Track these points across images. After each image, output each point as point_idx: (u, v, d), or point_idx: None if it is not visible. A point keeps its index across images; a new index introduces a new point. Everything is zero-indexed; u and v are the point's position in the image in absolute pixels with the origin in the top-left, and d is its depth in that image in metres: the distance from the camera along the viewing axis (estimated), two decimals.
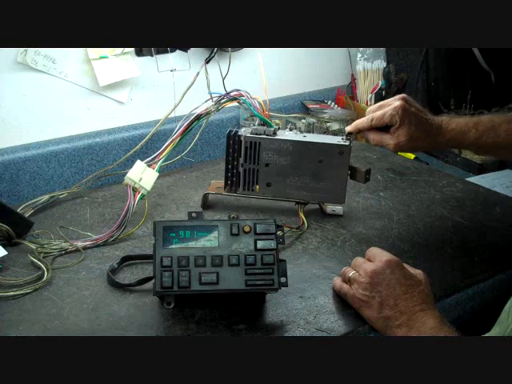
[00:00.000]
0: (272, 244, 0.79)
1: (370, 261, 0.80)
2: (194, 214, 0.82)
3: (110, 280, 0.86)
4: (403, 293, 0.75)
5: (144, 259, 0.91)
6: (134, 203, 0.97)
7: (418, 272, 0.79)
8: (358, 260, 0.82)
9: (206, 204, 1.08)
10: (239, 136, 1.00)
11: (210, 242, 0.78)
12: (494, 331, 0.64)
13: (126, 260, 0.91)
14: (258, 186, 1.02)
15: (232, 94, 1.01)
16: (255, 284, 0.77)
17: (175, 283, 0.76)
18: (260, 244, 0.79)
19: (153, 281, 0.77)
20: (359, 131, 0.97)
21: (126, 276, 0.88)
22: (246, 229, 0.79)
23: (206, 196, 1.07)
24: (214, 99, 1.02)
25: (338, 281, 0.83)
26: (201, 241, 0.78)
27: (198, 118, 1.01)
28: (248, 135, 1.00)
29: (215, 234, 0.79)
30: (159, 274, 0.76)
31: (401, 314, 0.74)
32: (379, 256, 0.79)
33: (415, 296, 0.75)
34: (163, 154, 1.00)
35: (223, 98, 1.01)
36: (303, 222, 1.00)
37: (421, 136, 0.92)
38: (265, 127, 1.01)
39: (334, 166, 1.00)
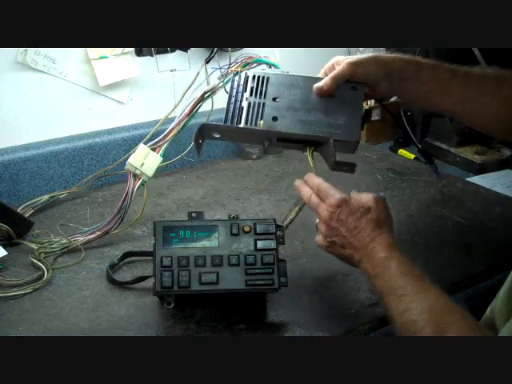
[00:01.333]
0: (272, 244, 0.79)
1: (320, 198, 0.79)
2: (194, 214, 0.82)
3: (107, 276, 0.86)
4: (353, 228, 0.76)
5: (145, 256, 0.91)
6: (134, 189, 0.95)
7: (367, 199, 0.79)
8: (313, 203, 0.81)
9: (201, 137, 0.88)
10: (246, 72, 0.91)
11: (210, 241, 0.79)
12: None
13: (128, 256, 0.91)
14: (261, 122, 0.89)
15: (240, 60, 0.92)
16: (255, 284, 0.77)
17: (175, 283, 0.76)
18: (260, 244, 0.79)
19: (151, 279, 0.77)
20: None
21: (127, 275, 0.88)
22: (246, 229, 0.79)
23: (203, 128, 0.87)
24: (217, 75, 0.94)
25: (318, 238, 0.81)
26: (201, 241, 0.78)
27: (203, 96, 0.96)
28: (256, 70, 0.92)
29: (215, 233, 0.79)
30: (159, 273, 0.76)
31: (356, 251, 0.75)
32: (325, 200, 0.78)
33: (364, 227, 0.75)
34: (168, 136, 0.95)
35: (228, 72, 0.93)
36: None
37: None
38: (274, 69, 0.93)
39: (347, 101, 0.90)
